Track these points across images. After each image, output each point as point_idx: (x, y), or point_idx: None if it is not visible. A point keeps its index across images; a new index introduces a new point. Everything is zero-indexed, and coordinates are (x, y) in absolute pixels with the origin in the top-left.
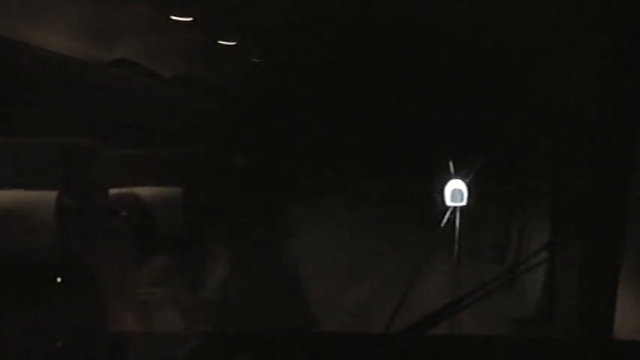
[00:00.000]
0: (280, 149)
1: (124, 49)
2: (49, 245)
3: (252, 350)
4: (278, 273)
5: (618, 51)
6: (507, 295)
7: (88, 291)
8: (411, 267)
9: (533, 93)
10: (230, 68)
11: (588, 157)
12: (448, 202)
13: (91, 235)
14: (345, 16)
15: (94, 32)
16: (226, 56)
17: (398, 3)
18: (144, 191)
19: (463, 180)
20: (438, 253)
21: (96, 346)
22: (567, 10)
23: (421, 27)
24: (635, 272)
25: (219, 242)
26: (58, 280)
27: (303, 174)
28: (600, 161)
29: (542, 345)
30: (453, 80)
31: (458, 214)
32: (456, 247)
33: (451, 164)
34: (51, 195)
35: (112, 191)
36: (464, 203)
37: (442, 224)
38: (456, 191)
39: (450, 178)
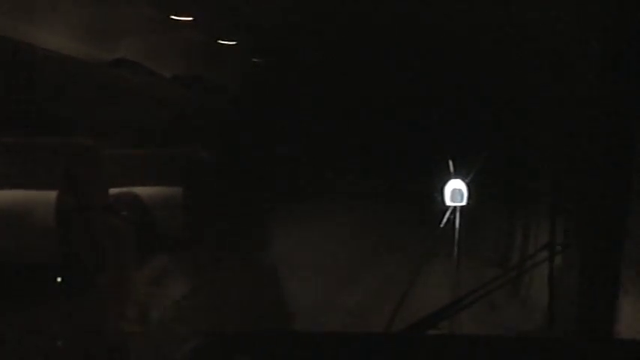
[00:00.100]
0: (280, 149)
1: (124, 48)
2: (49, 245)
3: (252, 350)
4: (277, 272)
5: (618, 51)
6: (512, 304)
7: (88, 291)
8: (411, 267)
9: (533, 93)
10: (230, 68)
11: (588, 157)
12: (448, 201)
13: (91, 235)
14: (345, 17)
15: (94, 32)
16: (226, 56)
17: (398, 3)
18: (144, 191)
19: (463, 180)
20: (437, 253)
21: (96, 346)
22: (567, 10)
23: (421, 27)
24: (635, 272)
25: (218, 242)
26: (58, 280)
27: (303, 174)
28: (600, 161)
29: (542, 345)
30: (453, 80)
31: (458, 214)
32: (456, 247)
33: (451, 164)
34: (51, 195)
35: (112, 191)
36: (464, 203)
37: (442, 224)
38: (455, 191)
39: (450, 178)
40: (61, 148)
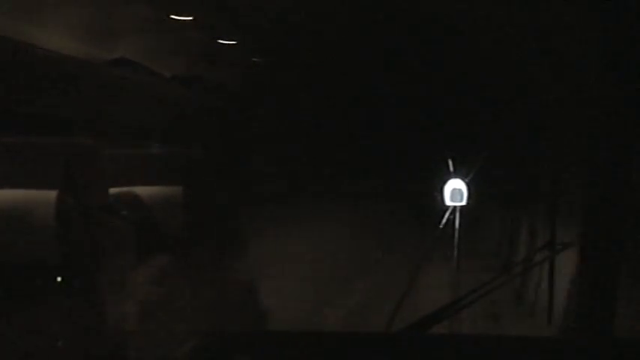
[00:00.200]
0: (280, 149)
1: (124, 48)
2: (49, 245)
3: (252, 350)
4: (277, 272)
5: (618, 51)
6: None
7: (88, 291)
8: (411, 266)
9: (533, 93)
10: (230, 68)
11: (588, 157)
12: (448, 201)
13: (91, 234)
14: (345, 16)
15: (94, 32)
16: (226, 55)
17: (398, 3)
18: (144, 191)
19: (463, 179)
20: (437, 253)
21: (96, 346)
22: (568, 10)
23: (421, 27)
24: (635, 272)
25: (218, 242)
26: (58, 280)
27: (303, 174)
28: (600, 161)
29: (542, 345)
30: (452, 80)
31: (457, 214)
32: (456, 247)
33: (451, 163)
34: (51, 195)
35: (112, 190)
36: (463, 203)
37: (442, 224)
38: (455, 191)
39: (450, 178)
40: (61, 148)
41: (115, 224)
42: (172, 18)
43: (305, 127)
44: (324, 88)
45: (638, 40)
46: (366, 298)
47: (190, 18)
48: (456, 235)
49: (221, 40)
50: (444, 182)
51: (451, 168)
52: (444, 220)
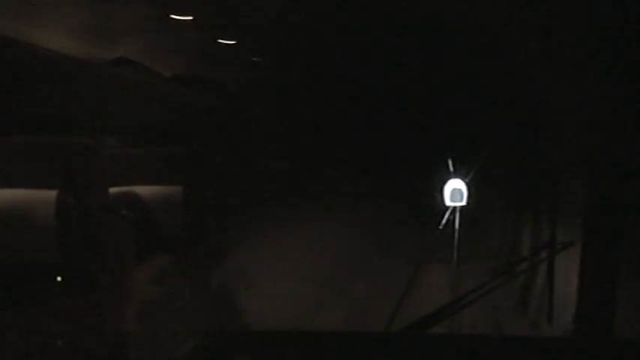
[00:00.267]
0: (280, 149)
1: (124, 48)
2: (49, 245)
3: (252, 350)
4: (276, 272)
5: (618, 51)
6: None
7: (88, 291)
8: (411, 266)
9: (533, 92)
10: (230, 67)
11: (588, 157)
12: (448, 201)
13: (91, 234)
14: (345, 16)
15: (93, 31)
16: (226, 55)
17: (397, 2)
18: (144, 190)
19: (463, 179)
20: (437, 253)
21: (96, 346)
22: (568, 9)
23: (421, 26)
24: (635, 272)
25: (218, 241)
26: (58, 279)
27: (303, 174)
28: (600, 161)
29: (542, 345)
30: (452, 79)
31: (457, 214)
32: (456, 247)
33: (450, 163)
34: (51, 194)
35: (112, 190)
36: (463, 203)
37: (441, 224)
38: (455, 191)
39: (450, 178)
40: (61, 148)
41: (115, 224)
42: (172, 18)
43: (305, 127)
44: (324, 88)
45: (638, 40)
46: (365, 298)
47: (190, 18)
48: (456, 235)
49: (221, 40)
50: (444, 182)
51: (451, 168)
52: (444, 221)
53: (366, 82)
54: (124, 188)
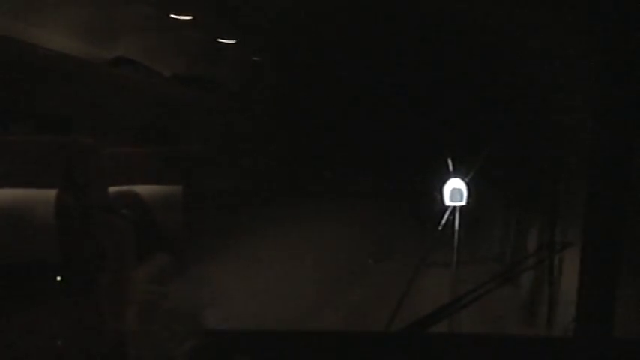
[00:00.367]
0: (280, 149)
1: (124, 47)
2: (49, 244)
3: (252, 350)
4: (276, 272)
5: (618, 51)
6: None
7: (88, 291)
8: (411, 266)
9: (533, 92)
10: (230, 67)
11: (588, 157)
12: (447, 201)
13: (91, 234)
14: (345, 16)
15: (94, 31)
16: (226, 55)
17: (397, 3)
18: (144, 190)
19: (463, 179)
20: (437, 253)
21: (96, 346)
22: (568, 9)
23: (421, 26)
24: (635, 272)
25: (219, 241)
26: (58, 279)
27: (303, 174)
28: (600, 161)
29: (542, 345)
30: (452, 79)
31: (457, 214)
32: (456, 247)
33: (450, 163)
34: (51, 194)
35: (112, 190)
36: (463, 203)
37: (441, 224)
38: (455, 190)
39: (450, 178)
40: (60, 147)
41: (115, 223)
42: (172, 17)
43: (305, 127)
44: (324, 88)
45: (638, 40)
46: (365, 298)
47: (190, 17)
48: (456, 234)
49: (221, 39)
50: (444, 182)
51: (451, 168)
52: (444, 221)
53: (366, 82)
54: (124, 188)
